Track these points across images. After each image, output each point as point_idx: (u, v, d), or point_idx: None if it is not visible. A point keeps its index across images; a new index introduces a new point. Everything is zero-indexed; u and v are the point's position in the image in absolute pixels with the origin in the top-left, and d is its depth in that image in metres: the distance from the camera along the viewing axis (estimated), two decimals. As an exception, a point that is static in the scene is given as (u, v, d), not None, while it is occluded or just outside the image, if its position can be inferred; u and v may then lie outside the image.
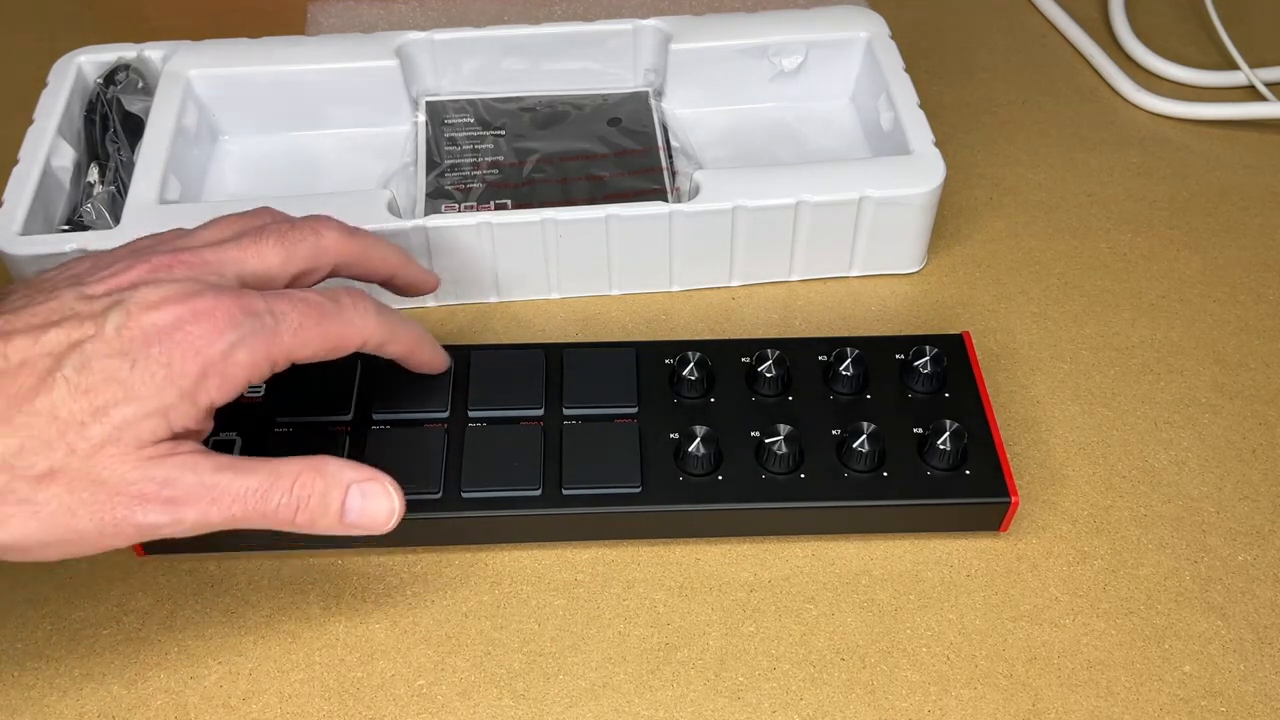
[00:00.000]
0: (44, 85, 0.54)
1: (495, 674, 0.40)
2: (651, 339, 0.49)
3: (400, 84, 0.57)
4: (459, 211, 0.52)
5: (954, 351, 0.47)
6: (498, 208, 0.52)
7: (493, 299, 0.52)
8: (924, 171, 0.51)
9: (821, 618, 0.42)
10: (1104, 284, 0.54)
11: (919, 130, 0.52)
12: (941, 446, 0.43)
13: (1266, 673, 0.41)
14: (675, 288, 0.53)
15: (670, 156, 0.55)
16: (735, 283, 0.53)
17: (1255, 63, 0.63)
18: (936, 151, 0.51)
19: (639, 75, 0.59)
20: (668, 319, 0.52)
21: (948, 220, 0.56)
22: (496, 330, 0.51)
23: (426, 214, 0.51)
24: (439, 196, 0.53)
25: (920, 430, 0.44)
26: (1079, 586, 0.43)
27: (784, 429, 0.43)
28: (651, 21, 0.57)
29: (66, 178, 0.52)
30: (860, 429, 0.43)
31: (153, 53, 0.56)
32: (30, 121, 0.52)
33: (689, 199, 0.50)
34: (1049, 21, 0.68)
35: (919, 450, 0.44)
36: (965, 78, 0.65)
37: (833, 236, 0.51)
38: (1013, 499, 0.43)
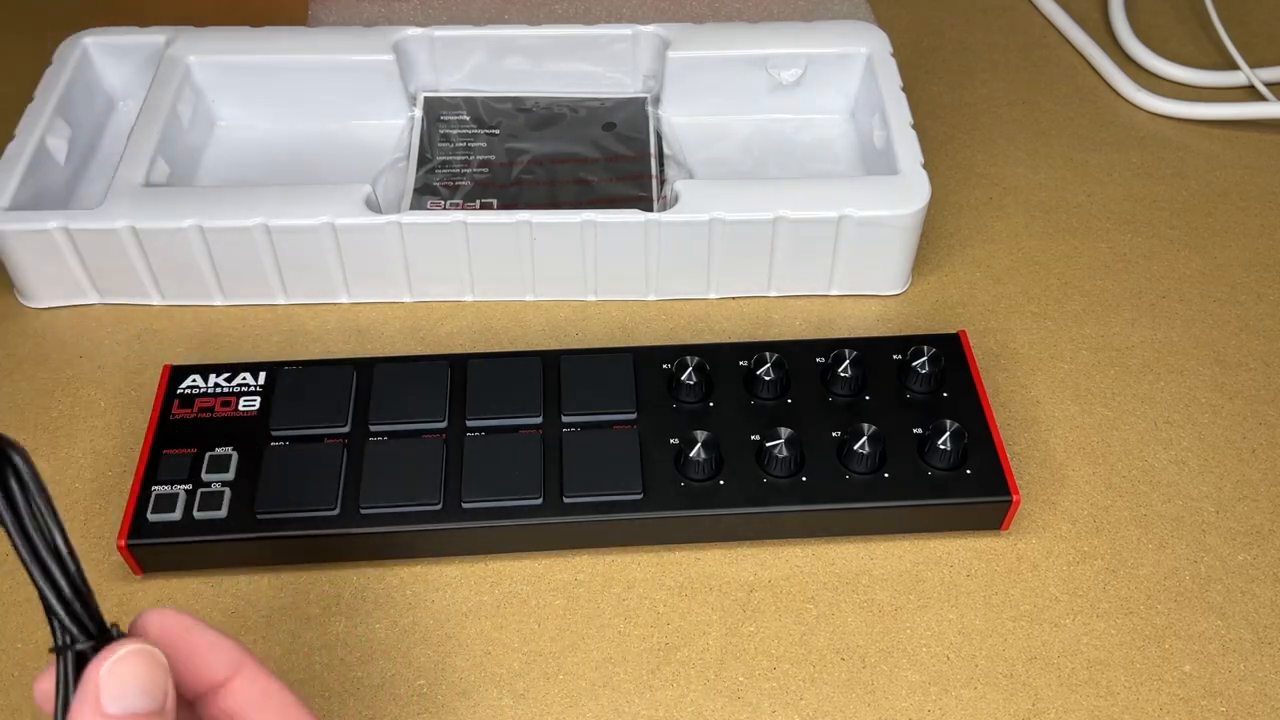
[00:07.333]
0: (48, 64, 0.55)
1: (495, 674, 0.40)
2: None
3: (397, 79, 0.57)
4: (444, 209, 0.52)
5: (951, 351, 0.47)
6: (483, 207, 0.52)
7: (468, 298, 0.52)
8: (908, 193, 0.50)
9: (821, 618, 0.42)
10: (1104, 284, 0.54)
11: (909, 151, 0.51)
12: (942, 446, 0.43)
13: (1266, 673, 0.41)
14: (652, 297, 0.52)
15: (662, 164, 0.55)
16: (712, 295, 0.52)
17: (1255, 63, 0.63)
18: (923, 174, 0.50)
19: (638, 81, 0.59)
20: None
21: (947, 220, 0.56)
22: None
23: (412, 209, 0.51)
24: (427, 193, 0.53)
25: (920, 430, 0.44)
26: (1079, 586, 0.43)
27: (784, 432, 0.43)
28: (651, 28, 0.57)
29: (61, 156, 0.53)
30: (861, 430, 0.43)
31: (156, 37, 0.57)
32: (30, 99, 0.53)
33: (670, 208, 0.50)
34: (1049, 21, 0.68)
35: (919, 450, 0.44)
36: (965, 78, 0.65)
37: (811, 254, 0.51)
38: (1014, 497, 0.43)
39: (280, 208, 0.49)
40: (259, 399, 0.45)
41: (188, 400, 0.45)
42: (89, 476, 0.46)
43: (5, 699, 0.40)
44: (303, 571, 0.43)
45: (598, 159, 0.55)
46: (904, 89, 0.54)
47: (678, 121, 0.58)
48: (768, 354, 0.46)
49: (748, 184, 0.51)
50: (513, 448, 0.43)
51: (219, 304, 0.52)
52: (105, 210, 0.49)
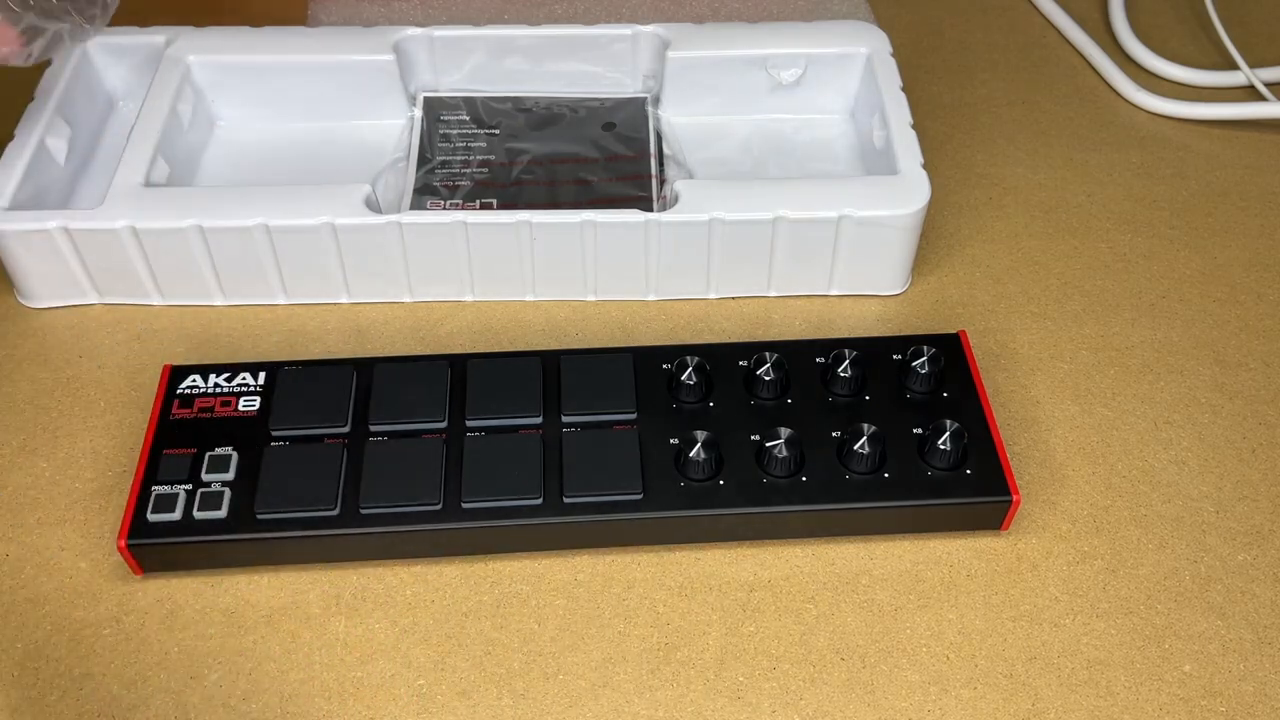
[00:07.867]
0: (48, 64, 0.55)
1: (495, 674, 0.40)
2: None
3: (397, 79, 0.57)
4: (444, 209, 0.52)
5: (951, 351, 0.47)
6: (483, 207, 0.52)
7: (468, 298, 0.52)
8: (908, 193, 0.50)
9: (821, 618, 0.42)
10: (1104, 284, 0.54)
11: (908, 151, 0.51)
12: (942, 446, 0.43)
13: (1266, 673, 0.41)
14: (652, 297, 0.52)
15: (661, 164, 0.55)
16: (712, 295, 0.52)
17: (1255, 63, 0.63)
18: (923, 174, 0.50)
19: (638, 81, 0.59)
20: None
21: (947, 220, 0.56)
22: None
23: (412, 209, 0.51)
24: (427, 193, 0.53)
25: (920, 431, 0.44)
26: (1079, 586, 0.43)
27: (784, 432, 0.43)
28: (650, 28, 0.57)
29: (61, 156, 0.53)
30: (860, 430, 0.43)
31: (156, 37, 0.57)
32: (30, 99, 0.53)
33: (670, 208, 0.50)
34: (1049, 21, 0.68)
35: (919, 451, 0.44)
36: (965, 78, 0.65)
37: (811, 254, 0.51)
38: (1014, 497, 0.43)
39: (280, 208, 0.49)
40: (259, 399, 0.45)
41: (188, 400, 0.45)
42: (89, 476, 0.46)
43: (5, 699, 0.40)
44: (303, 571, 0.43)
45: (597, 159, 0.55)
46: (904, 89, 0.54)
47: (677, 121, 0.58)
48: (768, 354, 0.46)
49: (747, 184, 0.51)
50: (513, 448, 0.43)
51: (219, 304, 0.52)
52: (105, 210, 0.49)
